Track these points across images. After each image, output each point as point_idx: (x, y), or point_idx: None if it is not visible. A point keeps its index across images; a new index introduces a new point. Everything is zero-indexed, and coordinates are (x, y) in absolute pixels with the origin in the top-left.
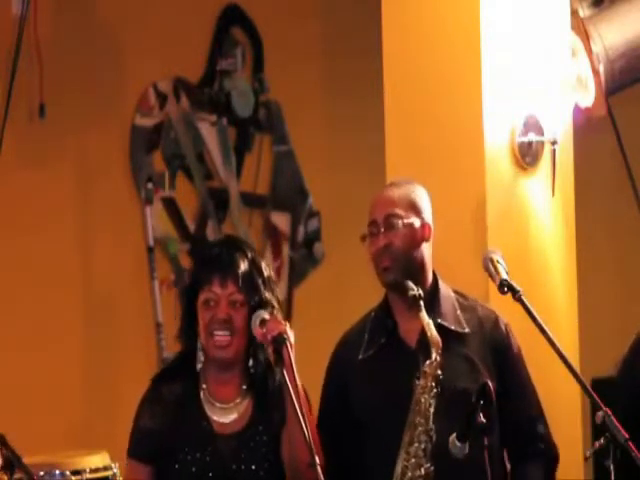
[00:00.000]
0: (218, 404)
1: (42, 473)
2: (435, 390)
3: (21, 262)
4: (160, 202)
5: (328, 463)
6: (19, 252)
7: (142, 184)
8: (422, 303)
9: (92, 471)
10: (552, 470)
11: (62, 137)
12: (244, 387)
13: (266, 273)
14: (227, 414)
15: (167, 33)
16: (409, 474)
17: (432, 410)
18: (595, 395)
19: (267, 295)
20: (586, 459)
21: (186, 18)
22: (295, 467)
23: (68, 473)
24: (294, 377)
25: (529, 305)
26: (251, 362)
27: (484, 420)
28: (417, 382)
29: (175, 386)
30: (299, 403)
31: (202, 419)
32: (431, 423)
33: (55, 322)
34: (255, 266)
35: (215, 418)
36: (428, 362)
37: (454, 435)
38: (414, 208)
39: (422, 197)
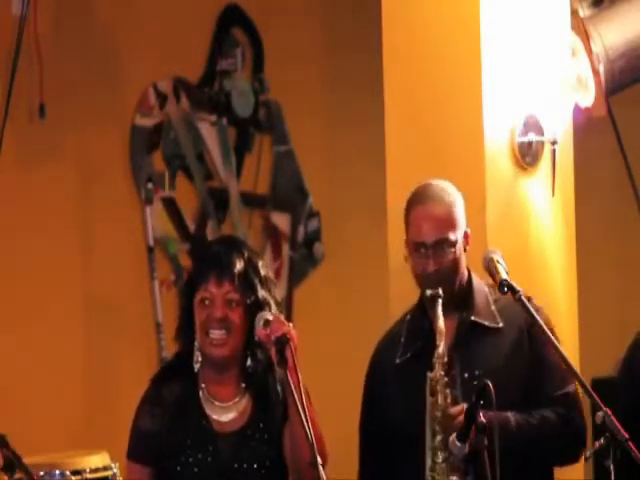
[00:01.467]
0: (217, 403)
1: (42, 473)
2: (445, 379)
3: (21, 262)
4: (160, 202)
5: (365, 469)
6: (19, 252)
7: (142, 184)
8: (440, 300)
9: (92, 471)
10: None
11: (62, 137)
12: (243, 385)
13: (263, 272)
14: (227, 413)
15: (167, 33)
16: (438, 468)
17: (449, 400)
18: (595, 395)
19: (264, 294)
20: (586, 459)
21: (186, 18)
22: (297, 466)
23: (68, 473)
24: (297, 378)
25: (529, 305)
26: (249, 362)
27: (484, 420)
28: (428, 374)
29: (174, 386)
30: (302, 403)
31: (202, 419)
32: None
33: (55, 322)
34: (251, 265)
35: (215, 417)
36: (435, 353)
37: (454, 435)
38: (458, 223)
39: (461, 206)
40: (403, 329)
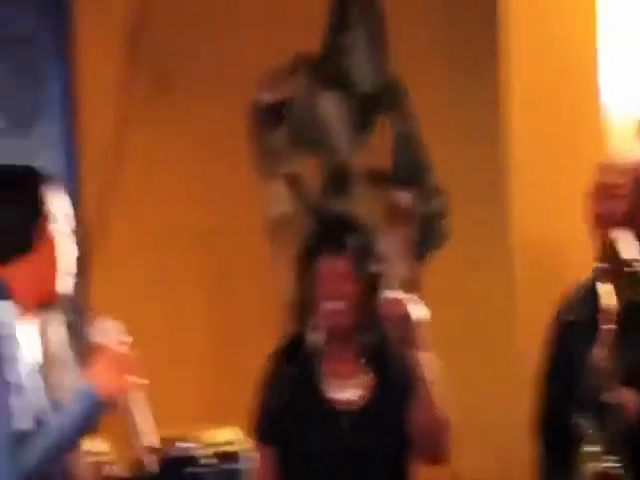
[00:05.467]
0: (338, 381)
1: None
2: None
3: None
4: (282, 178)
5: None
6: None
7: (264, 160)
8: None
9: (223, 444)
10: None
11: (184, 111)
12: (362, 361)
13: (376, 248)
14: (348, 390)
15: (287, 8)
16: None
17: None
18: None
19: (377, 269)
20: None
21: None
22: (424, 438)
23: (200, 446)
24: (422, 355)
25: None
26: (367, 337)
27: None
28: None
29: (294, 365)
30: (428, 381)
31: (323, 397)
32: None
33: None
34: (365, 240)
35: (336, 395)
36: (600, 332)
37: None
38: None
39: None
40: (581, 289)
